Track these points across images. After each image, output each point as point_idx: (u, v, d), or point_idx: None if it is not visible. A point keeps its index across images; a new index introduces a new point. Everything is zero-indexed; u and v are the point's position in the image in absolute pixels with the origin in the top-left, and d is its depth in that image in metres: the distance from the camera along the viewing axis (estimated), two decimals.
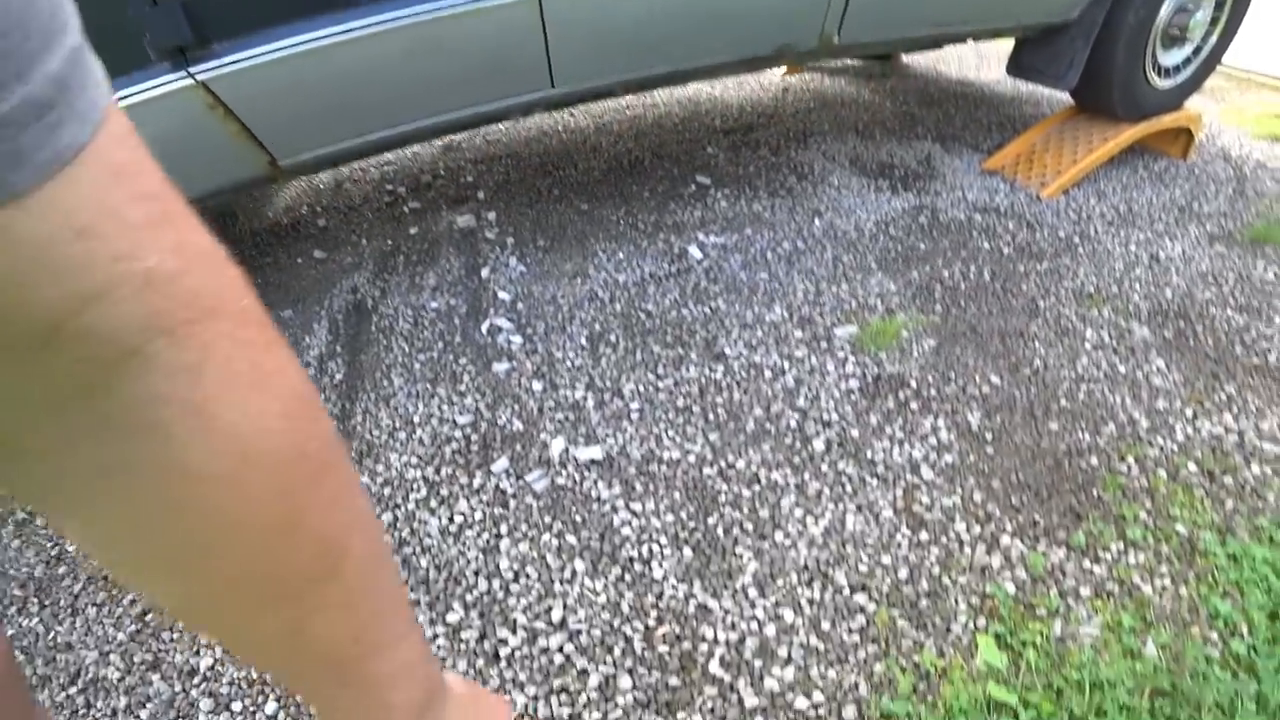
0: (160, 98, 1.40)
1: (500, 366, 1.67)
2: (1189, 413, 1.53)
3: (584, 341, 1.73)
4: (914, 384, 1.56)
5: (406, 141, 1.80)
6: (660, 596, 1.20)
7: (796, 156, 2.56)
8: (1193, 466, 1.41)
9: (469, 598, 1.21)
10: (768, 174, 2.45)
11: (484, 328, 1.81)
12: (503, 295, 1.91)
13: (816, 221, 2.14)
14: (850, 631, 1.15)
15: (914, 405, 1.51)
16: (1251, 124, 3.17)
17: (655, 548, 1.26)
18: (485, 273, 2.03)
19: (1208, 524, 1.30)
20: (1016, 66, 2.44)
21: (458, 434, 1.51)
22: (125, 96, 1.37)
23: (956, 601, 1.18)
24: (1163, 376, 1.62)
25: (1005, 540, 1.27)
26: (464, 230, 2.27)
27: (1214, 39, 2.42)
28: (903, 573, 1.22)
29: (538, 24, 1.57)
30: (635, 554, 1.26)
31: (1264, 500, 1.35)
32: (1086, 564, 1.24)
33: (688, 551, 1.26)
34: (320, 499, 0.27)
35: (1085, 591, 1.20)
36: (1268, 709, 1.05)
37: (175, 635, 1.23)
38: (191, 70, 1.40)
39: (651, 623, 1.17)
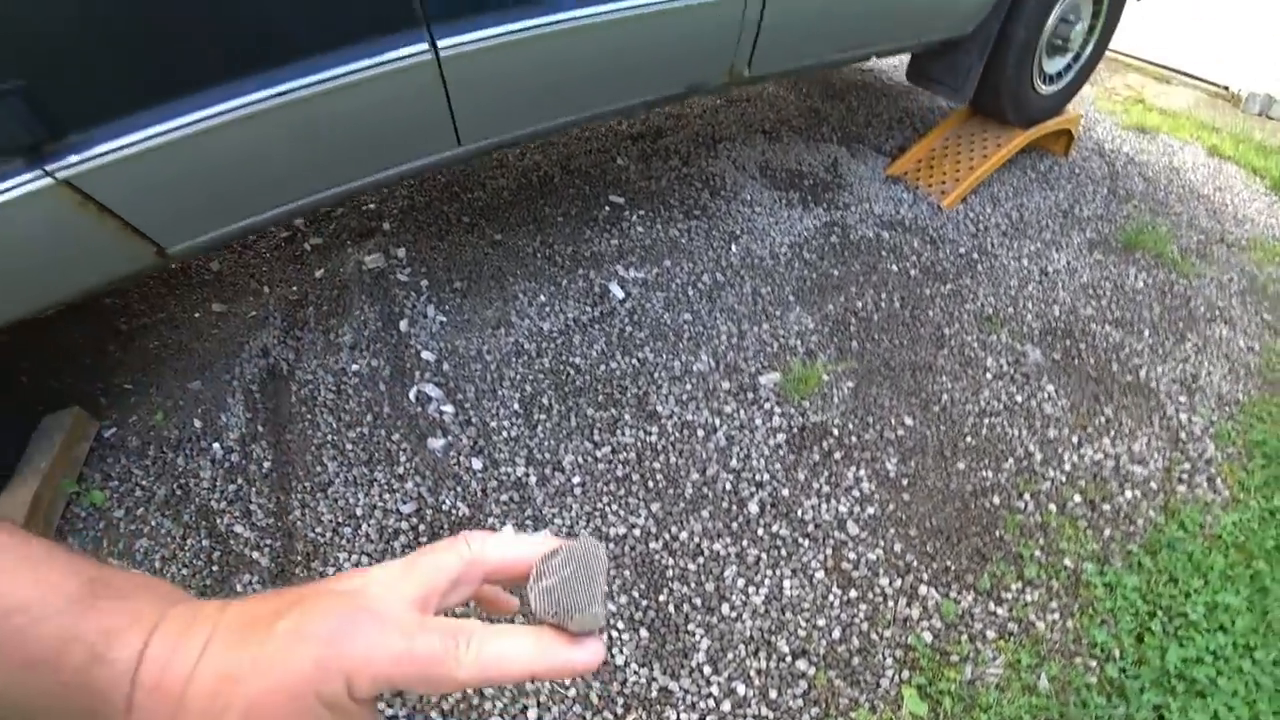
0: (14, 202, 1.31)
1: (436, 442, 1.73)
2: (1075, 439, 1.79)
3: (517, 407, 1.80)
4: (836, 432, 1.73)
5: (306, 211, 1.77)
6: (625, 684, 1.33)
7: (707, 167, 2.65)
8: (1078, 498, 1.66)
9: (445, 705, 1.31)
10: (681, 189, 2.53)
11: (412, 394, 1.85)
12: (426, 355, 1.95)
13: (733, 247, 2.26)
14: (795, 697, 1.33)
15: (837, 455, 1.69)
16: (1121, 110, 3.50)
17: (615, 633, 1.39)
18: (404, 326, 2.05)
19: (1090, 554, 1.55)
20: (916, 74, 2.60)
21: (404, 525, 1.57)
22: None
23: (883, 656, 1.38)
24: (1053, 403, 1.86)
25: (923, 590, 1.48)
26: (373, 272, 2.26)
27: (1091, 47, 2.65)
28: (836, 633, 1.41)
29: (439, 87, 1.58)
30: None
31: (1134, 525, 1.62)
32: (991, 606, 1.47)
33: (644, 633, 1.40)
34: None
35: (990, 634, 1.42)
36: None
37: None
38: (50, 168, 1.32)
39: (620, 710, 1.31)
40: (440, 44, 1.48)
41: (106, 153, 1.34)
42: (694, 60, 1.89)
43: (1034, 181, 2.73)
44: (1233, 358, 2.13)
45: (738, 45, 1.87)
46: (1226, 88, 3.94)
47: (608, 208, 2.45)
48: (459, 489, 1.63)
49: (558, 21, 1.54)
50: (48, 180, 1.32)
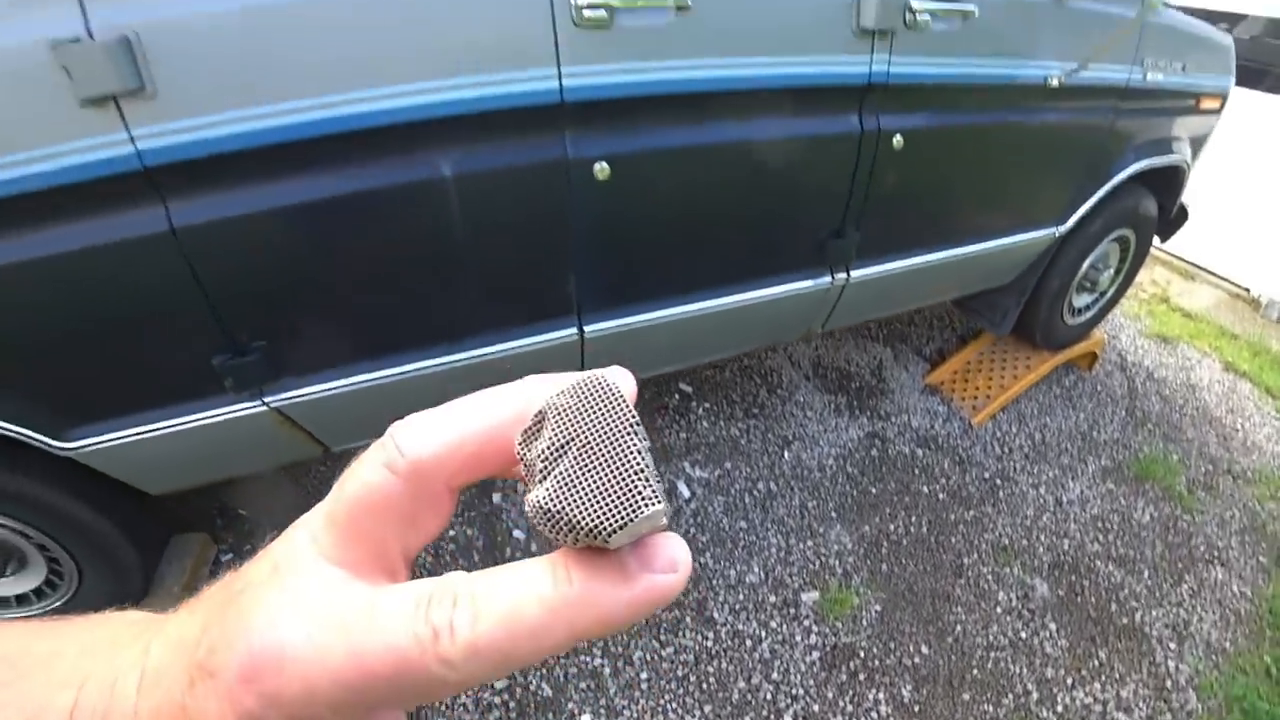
0: (234, 420, 1.77)
1: None
2: (1069, 681, 2.15)
3: None
4: (862, 654, 2.11)
5: None
6: None
7: (766, 360, 3.09)
8: None
9: None
10: (742, 382, 2.97)
11: None
12: (518, 534, 2.37)
13: (786, 454, 2.68)
14: None
15: (862, 676, 2.07)
16: (1145, 313, 3.92)
17: None
18: (496, 498, 2.48)
19: None
20: (960, 303, 3.05)
21: (497, 700, 1.97)
22: (197, 420, 1.73)
23: None
24: (1053, 642, 2.23)
25: None
26: None
27: (1115, 286, 3.09)
28: None
29: (578, 354, 2.04)
30: None
31: None
32: None
33: None
34: None
35: None
36: None
37: None
38: (267, 400, 1.79)
39: None
40: (586, 328, 1.94)
41: (310, 392, 1.82)
42: (779, 328, 2.35)
43: (1058, 399, 3.14)
44: (1225, 603, 2.48)
45: (815, 316, 2.32)
46: (1247, 290, 4.34)
47: (678, 396, 2.89)
48: (544, 670, 2.03)
49: (681, 313, 2.01)
50: (263, 407, 1.80)
